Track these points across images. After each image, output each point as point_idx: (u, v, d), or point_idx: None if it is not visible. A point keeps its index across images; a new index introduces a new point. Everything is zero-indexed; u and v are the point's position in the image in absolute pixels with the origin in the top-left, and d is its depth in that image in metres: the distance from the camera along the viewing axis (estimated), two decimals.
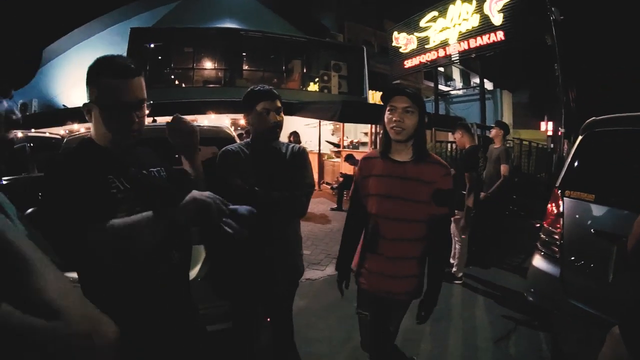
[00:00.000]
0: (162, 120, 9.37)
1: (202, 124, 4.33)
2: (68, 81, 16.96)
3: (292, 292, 2.78)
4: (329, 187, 12.65)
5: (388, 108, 2.25)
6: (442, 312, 3.87)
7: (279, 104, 2.49)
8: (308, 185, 2.56)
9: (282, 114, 2.52)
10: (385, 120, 2.26)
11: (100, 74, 1.54)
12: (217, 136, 3.92)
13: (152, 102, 1.73)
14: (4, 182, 5.61)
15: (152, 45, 17.03)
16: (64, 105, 16.17)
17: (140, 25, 17.22)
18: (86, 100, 1.60)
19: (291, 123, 14.95)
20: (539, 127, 21.20)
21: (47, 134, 9.30)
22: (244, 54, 17.84)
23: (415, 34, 17.20)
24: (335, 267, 2.62)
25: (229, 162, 2.48)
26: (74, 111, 11.91)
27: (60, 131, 11.67)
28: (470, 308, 4.52)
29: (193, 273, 3.05)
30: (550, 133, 17.69)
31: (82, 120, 10.74)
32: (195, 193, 1.58)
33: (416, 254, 2.32)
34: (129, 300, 1.56)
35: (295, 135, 8.79)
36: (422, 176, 2.23)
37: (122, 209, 1.50)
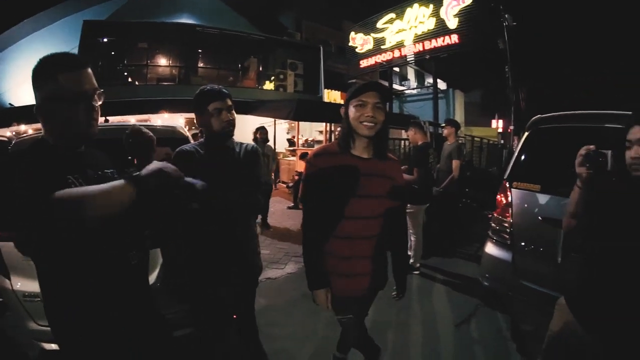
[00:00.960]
0: (115, 119, 9.18)
1: (155, 124, 4.32)
2: (16, 78, 15.86)
3: (253, 290, 2.83)
4: (285, 185, 12.69)
5: (356, 103, 2.15)
6: (403, 302, 3.98)
7: (229, 103, 2.53)
8: (264, 183, 2.64)
9: (233, 112, 2.55)
10: (353, 115, 2.16)
11: (55, 69, 1.54)
12: (171, 136, 3.89)
13: (102, 90, 1.67)
14: None
15: (105, 40, 16.35)
16: (10, 104, 15.18)
17: (94, 18, 16.35)
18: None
19: (246, 122, 14.90)
20: (490, 125, 22.28)
21: None
22: (199, 50, 17.57)
23: (372, 34, 17.56)
24: (310, 286, 2.31)
25: (183, 162, 2.43)
26: (22, 110, 11.23)
27: (6, 132, 11.39)
28: (430, 296, 4.75)
29: (151, 278, 3.04)
30: (500, 130, 18.71)
31: (31, 120, 10.33)
32: (155, 162, 1.59)
33: (370, 252, 2.30)
34: (89, 301, 1.59)
35: (262, 132, 8.56)
36: (386, 172, 2.27)
37: None
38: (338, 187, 2.20)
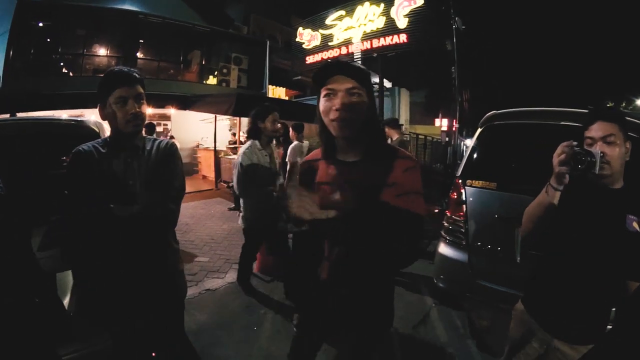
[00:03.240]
0: (47, 114, 8.58)
1: (57, 118, 3.69)
2: None
3: (179, 315, 2.44)
4: (226, 185, 12.29)
5: (324, 94, 1.69)
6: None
7: (140, 90, 2.08)
8: (177, 188, 2.20)
9: (144, 104, 2.11)
10: (322, 109, 1.71)
11: None
12: (75, 133, 3.28)
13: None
14: None
15: (40, 24, 14.77)
16: None
17: None
18: None
19: (187, 118, 14.36)
20: (433, 123, 22.93)
21: None
22: (140, 40, 16.66)
23: (320, 30, 17.44)
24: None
25: (80, 167, 2.04)
26: None
27: None
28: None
29: (65, 304, 2.60)
30: (444, 128, 19.25)
31: None
32: None
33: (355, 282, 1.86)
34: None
35: (297, 128, 7.61)
36: (381, 177, 1.70)
37: None
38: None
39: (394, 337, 3.72)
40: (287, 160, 6.80)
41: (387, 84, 20.26)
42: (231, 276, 5.39)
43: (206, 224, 8.05)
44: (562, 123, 3.22)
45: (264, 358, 3.47)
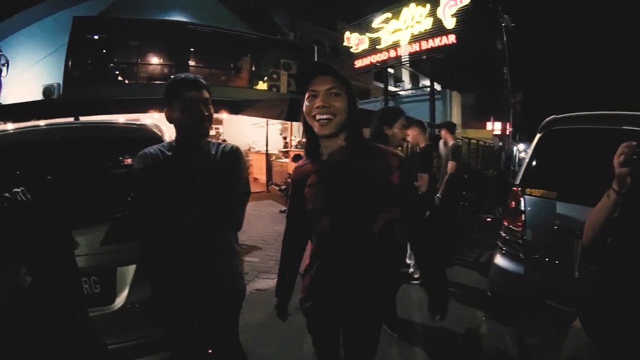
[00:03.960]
0: (104, 119, 9.03)
1: (116, 122, 3.72)
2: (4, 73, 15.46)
3: (235, 317, 2.44)
4: (278, 188, 12.41)
5: (307, 96, 1.79)
6: (403, 314, 3.86)
7: (206, 95, 2.15)
8: (242, 192, 2.20)
9: (210, 107, 2.18)
10: (305, 110, 1.79)
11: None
12: (137, 136, 3.29)
13: None
14: None
15: (95, 37, 15.90)
16: None
17: (85, 14, 15.85)
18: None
19: (239, 123, 14.67)
20: (485, 127, 22.16)
21: None
22: (191, 49, 17.30)
23: (367, 34, 17.12)
24: (277, 301, 2.23)
25: (145, 168, 2.11)
26: (8, 108, 10.48)
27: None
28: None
29: (120, 300, 2.71)
30: (497, 132, 18.57)
31: (21, 118, 9.89)
32: None
33: (351, 281, 1.84)
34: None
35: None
36: (370, 173, 1.76)
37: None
38: (304, 201, 1.88)
39: (439, 348, 3.63)
40: None
41: (437, 86, 19.85)
42: None
43: (257, 225, 8.15)
44: (627, 127, 3.02)
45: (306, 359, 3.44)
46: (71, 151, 3.33)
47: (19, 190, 1.22)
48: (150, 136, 3.16)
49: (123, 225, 2.68)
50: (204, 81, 2.18)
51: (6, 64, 1.07)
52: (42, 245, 1.15)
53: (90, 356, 1.28)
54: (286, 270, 2.19)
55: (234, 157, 2.25)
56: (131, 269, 2.73)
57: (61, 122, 3.65)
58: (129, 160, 3.29)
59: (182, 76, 2.14)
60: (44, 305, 1.09)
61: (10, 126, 3.44)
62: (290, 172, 11.30)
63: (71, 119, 3.63)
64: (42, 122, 3.61)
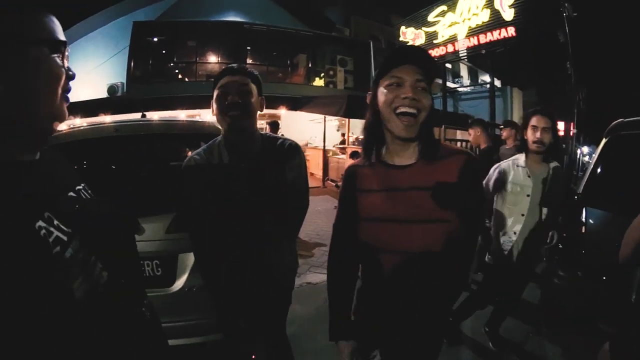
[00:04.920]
0: (165, 114, 9.55)
1: (179, 119, 3.93)
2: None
3: (284, 307, 2.40)
4: (334, 184, 12.41)
5: (387, 82, 1.44)
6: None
7: (243, 80, 1.95)
8: (302, 190, 2.17)
9: (250, 95, 1.95)
10: (384, 99, 1.44)
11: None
12: (200, 132, 3.41)
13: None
14: None
15: (155, 39, 16.88)
16: None
17: (143, 19, 17.07)
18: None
19: (296, 118, 14.82)
20: None
21: None
22: (248, 47, 17.69)
23: (424, 28, 16.80)
24: (330, 335, 1.72)
25: (193, 177, 2.05)
26: (77, 105, 11.69)
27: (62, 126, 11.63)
28: (478, 318, 4.20)
29: (179, 283, 2.91)
30: (561, 133, 17.48)
31: (86, 114, 10.85)
32: None
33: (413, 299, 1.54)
34: None
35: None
36: (438, 179, 1.46)
37: (77, 280, 0.91)
38: (357, 208, 1.57)
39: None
40: None
41: (497, 83, 19.02)
42: None
43: (312, 220, 8.13)
44: None
45: None
46: (143, 146, 3.61)
47: (81, 187, 1.16)
48: (209, 132, 3.29)
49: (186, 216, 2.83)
50: (247, 69, 2.03)
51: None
52: (115, 241, 1.12)
53: (156, 342, 1.26)
54: (339, 300, 1.74)
55: (293, 153, 2.13)
56: (192, 256, 2.87)
57: (131, 119, 3.88)
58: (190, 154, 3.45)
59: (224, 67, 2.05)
60: (120, 299, 1.06)
61: (79, 123, 3.78)
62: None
63: (138, 116, 3.83)
64: (107, 119, 3.97)
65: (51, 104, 0.94)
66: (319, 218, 8.51)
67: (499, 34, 13.54)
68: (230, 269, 2.10)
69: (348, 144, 13.71)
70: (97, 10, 18.18)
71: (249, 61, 17.59)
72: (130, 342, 1.06)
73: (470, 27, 14.69)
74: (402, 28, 17.98)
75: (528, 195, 2.93)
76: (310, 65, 18.48)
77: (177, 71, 17.32)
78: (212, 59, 17.58)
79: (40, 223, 0.85)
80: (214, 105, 1.96)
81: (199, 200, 2.01)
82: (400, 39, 17.91)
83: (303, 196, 2.20)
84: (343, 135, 15.04)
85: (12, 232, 0.77)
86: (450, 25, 15.57)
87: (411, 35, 17.45)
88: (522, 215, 2.97)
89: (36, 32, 0.91)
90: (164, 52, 17.18)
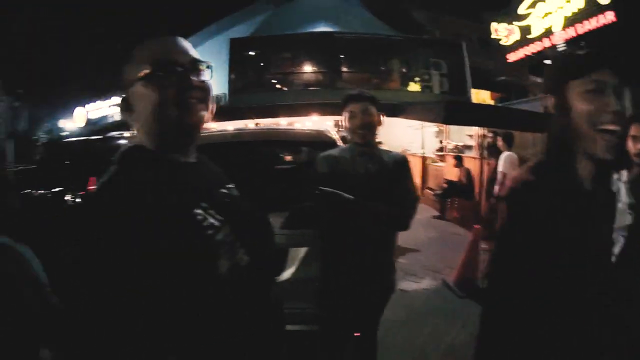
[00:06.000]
0: (267, 122, 10.68)
1: (299, 129, 4.60)
2: None
3: (382, 307, 2.73)
4: (432, 192, 12.49)
5: (587, 87, 1.22)
6: None
7: (367, 106, 2.52)
8: (415, 198, 2.58)
9: (372, 116, 2.53)
10: (587, 112, 1.20)
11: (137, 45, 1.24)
12: (317, 140, 3.99)
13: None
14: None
15: (252, 53, 18.33)
16: None
17: (239, 36, 18.76)
18: None
19: (393, 124, 15.27)
20: None
21: None
22: (341, 56, 18.36)
23: (516, 23, 15.54)
24: None
25: (326, 167, 2.56)
26: None
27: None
28: None
29: (287, 275, 3.32)
30: None
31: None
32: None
33: None
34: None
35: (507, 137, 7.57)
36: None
37: (223, 259, 1.13)
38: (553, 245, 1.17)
39: None
40: (499, 170, 6.79)
41: None
42: (426, 283, 5.74)
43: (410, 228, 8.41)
44: None
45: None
46: (262, 151, 4.37)
47: (231, 186, 1.37)
48: (326, 140, 3.90)
49: (299, 215, 3.17)
50: (367, 94, 2.63)
51: (210, 68, 1.21)
52: (256, 232, 1.34)
53: (277, 324, 1.41)
54: None
55: (403, 164, 2.62)
56: (301, 250, 3.38)
57: (255, 127, 4.70)
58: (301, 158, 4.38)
59: (349, 91, 2.66)
60: (255, 281, 1.24)
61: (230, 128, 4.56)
62: (446, 176, 11.22)
63: (241, 124, 4.69)
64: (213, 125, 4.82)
65: (164, 119, 1.11)
66: (416, 227, 8.29)
67: (597, 21, 12.23)
68: (344, 264, 2.49)
69: (446, 151, 13.54)
70: (194, 31, 21.32)
71: (344, 69, 18.38)
72: (257, 318, 1.21)
73: (565, 16, 13.40)
74: (493, 24, 16.58)
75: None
76: (404, 70, 18.53)
77: (274, 81, 18.42)
78: (307, 68, 18.50)
79: (198, 210, 1.11)
80: (346, 124, 2.57)
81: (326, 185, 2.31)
82: (493, 36, 16.68)
83: (413, 204, 2.56)
84: (441, 142, 14.72)
85: (176, 215, 1.04)
86: (544, 17, 14.31)
87: (504, 32, 16.20)
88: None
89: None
90: (261, 64, 18.47)
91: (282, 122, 12.97)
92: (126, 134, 9.03)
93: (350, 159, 2.56)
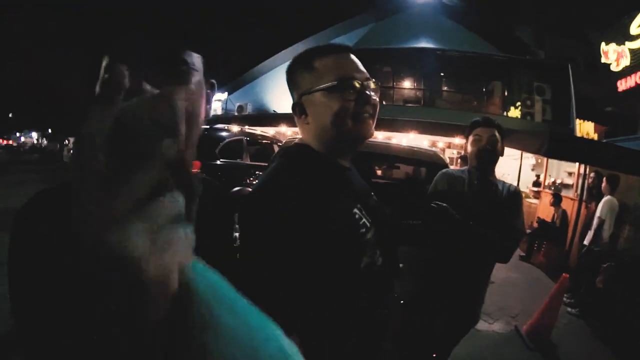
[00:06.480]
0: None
1: (420, 147, 4.76)
2: (276, 92, 21.70)
3: (461, 338, 2.75)
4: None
5: None
6: None
7: (495, 133, 2.52)
8: (522, 232, 2.50)
9: (498, 145, 2.53)
10: None
11: (314, 56, 1.35)
12: (430, 160, 4.20)
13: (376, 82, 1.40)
14: (220, 163, 7.82)
15: None
16: (274, 111, 20.73)
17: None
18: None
19: None
20: None
21: (259, 132, 11.60)
22: (441, 74, 18.58)
23: (627, 44, 13.95)
24: None
25: (445, 184, 2.59)
26: (282, 115, 15.66)
27: (270, 131, 14.93)
28: None
29: None
30: None
31: (290, 124, 13.79)
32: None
33: None
34: None
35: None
36: None
37: (366, 256, 1.27)
38: None
39: None
40: (597, 215, 6.26)
41: None
42: (498, 326, 5.46)
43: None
44: None
45: None
46: (382, 163, 4.78)
47: (373, 193, 1.52)
48: (438, 161, 4.09)
49: (405, 231, 3.12)
50: (494, 121, 2.62)
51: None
52: (390, 238, 1.47)
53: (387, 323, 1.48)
54: None
55: (516, 197, 2.56)
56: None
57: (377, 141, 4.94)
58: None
59: (479, 118, 2.65)
60: (384, 281, 1.38)
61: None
62: (539, 216, 10.37)
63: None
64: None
65: (343, 128, 1.27)
66: (500, 265, 8.36)
67: None
68: (439, 285, 2.55)
69: (543, 188, 12.68)
70: (296, 41, 22.38)
71: (444, 88, 18.63)
72: (380, 315, 1.34)
73: None
74: (602, 46, 15.09)
75: None
76: (506, 93, 18.00)
77: None
78: (407, 84, 18.96)
79: (356, 210, 1.27)
80: (469, 148, 2.60)
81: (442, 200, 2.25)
82: (602, 60, 15.24)
83: (519, 239, 2.47)
84: (538, 176, 14.15)
85: (341, 212, 1.22)
86: None
87: (613, 55, 14.72)
88: None
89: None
90: None
91: (379, 137, 12.47)
92: (231, 127, 10.18)
93: (468, 182, 2.58)
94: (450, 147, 16.29)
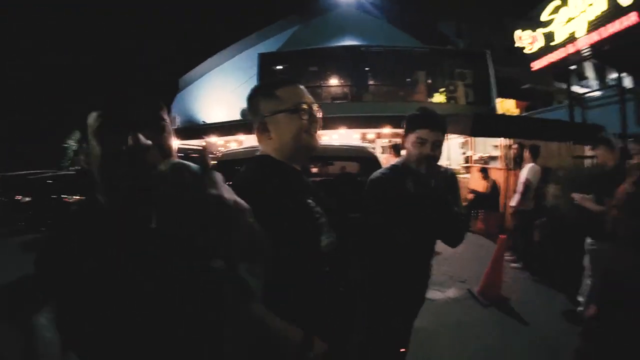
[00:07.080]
0: None
1: (344, 144, 5.16)
2: (206, 101, 21.52)
3: (416, 315, 2.79)
4: None
5: None
6: None
7: (439, 138, 2.38)
8: (464, 215, 2.69)
9: (440, 148, 2.41)
10: None
11: (275, 87, 1.69)
12: (359, 155, 4.32)
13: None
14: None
15: (279, 67, 19.00)
16: (203, 121, 20.01)
17: (267, 50, 19.83)
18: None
19: None
20: None
21: (191, 146, 11.74)
22: (367, 69, 18.83)
23: (540, 30, 14.80)
24: None
25: (383, 193, 2.46)
26: (211, 126, 15.45)
27: (202, 143, 14.98)
28: None
29: None
30: None
31: (222, 134, 14.64)
32: None
33: None
34: None
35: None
36: None
37: (324, 236, 1.62)
38: None
39: None
40: (520, 181, 6.94)
41: (629, 82, 15.59)
42: (452, 292, 5.85)
43: None
44: None
45: None
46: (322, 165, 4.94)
47: (310, 201, 1.66)
48: (368, 156, 4.23)
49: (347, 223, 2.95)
50: (440, 121, 2.43)
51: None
52: (337, 225, 1.74)
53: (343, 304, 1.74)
54: None
55: (454, 182, 2.63)
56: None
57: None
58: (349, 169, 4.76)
59: (423, 111, 2.48)
60: (339, 260, 1.68)
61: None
62: (472, 187, 11.21)
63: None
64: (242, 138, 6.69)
65: (300, 141, 1.65)
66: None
67: (621, 24, 11.48)
68: (401, 275, 2.50)
69: (472, 163, 13.62)
70: (223, 47, 22.46)
71: (370, 82, 18.87)
72: (343, 287, 1.67)
73: (589, 21, 12.69)
74: (517, 32, 15.96)
75: None
76: (429, 81, 18.66)
77: None
78: (334, 82, 19.08)
79: (309, 201, 1.64)
80: (411, 148, 2.44)
81: (385, 209, 2.42)
82: (517, 44, 16.04)
83: (467, 223, 2.82)
84: (464, 153, 14.90)
85: (303, 202, 1.61)
86: (567, 22, 13.64)
87: (528, 39, 15.51)
88: None
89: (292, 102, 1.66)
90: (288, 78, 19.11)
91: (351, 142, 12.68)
92: None
93: (398, 178, 2.45)
94: (380, 137, 16.38)
